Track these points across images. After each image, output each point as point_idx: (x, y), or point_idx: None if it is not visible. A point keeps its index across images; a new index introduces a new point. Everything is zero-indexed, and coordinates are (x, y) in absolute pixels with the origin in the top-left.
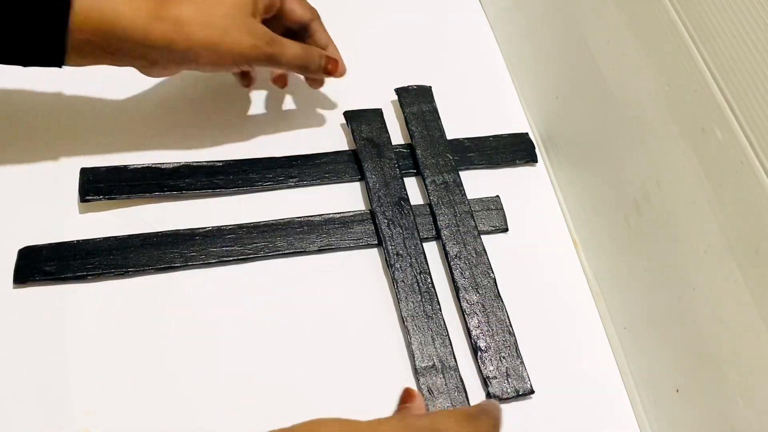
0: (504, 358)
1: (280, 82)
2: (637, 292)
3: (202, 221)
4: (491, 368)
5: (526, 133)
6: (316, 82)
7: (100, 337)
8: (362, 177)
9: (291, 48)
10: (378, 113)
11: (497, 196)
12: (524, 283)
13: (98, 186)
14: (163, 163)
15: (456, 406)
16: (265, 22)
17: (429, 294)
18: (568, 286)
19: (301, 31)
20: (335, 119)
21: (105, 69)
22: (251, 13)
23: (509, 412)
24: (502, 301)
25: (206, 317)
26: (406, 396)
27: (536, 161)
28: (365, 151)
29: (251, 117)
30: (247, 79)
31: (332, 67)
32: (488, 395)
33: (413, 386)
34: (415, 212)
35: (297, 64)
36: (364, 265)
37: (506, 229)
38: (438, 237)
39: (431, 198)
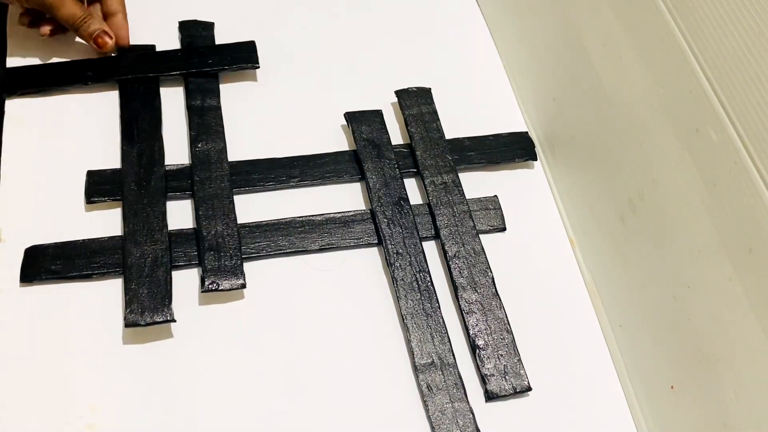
0: (502, 356)
1: (44, 33)
2: (633, 291)
3: None
4: (489, 366)
5: (525, 132)
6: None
7: (105, 334)
8: (362, 177)
9: (68, 6)
10: (378, 114)
11: (495, 196)
12: (521, 282)
13: (103, 188)
14: (166, 164)
15: (454, 402)
16: None
17: (428, 292)
18: (565, 285)
19: None
20: (336, 120)
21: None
22: None
23: (507, 409)
24: (500, 300)
25: (208, 316)
26: None
27: (535, 159)
28: (365, 151)
29: (253, 118)
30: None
31: (101, 42)
32: (486, 393)
33: (413, 384)
34: (414, 212)
35: (69, 23)
36: (364, 264)
37: (504, 229)
38: (437, 236)
39: (430, 198)
